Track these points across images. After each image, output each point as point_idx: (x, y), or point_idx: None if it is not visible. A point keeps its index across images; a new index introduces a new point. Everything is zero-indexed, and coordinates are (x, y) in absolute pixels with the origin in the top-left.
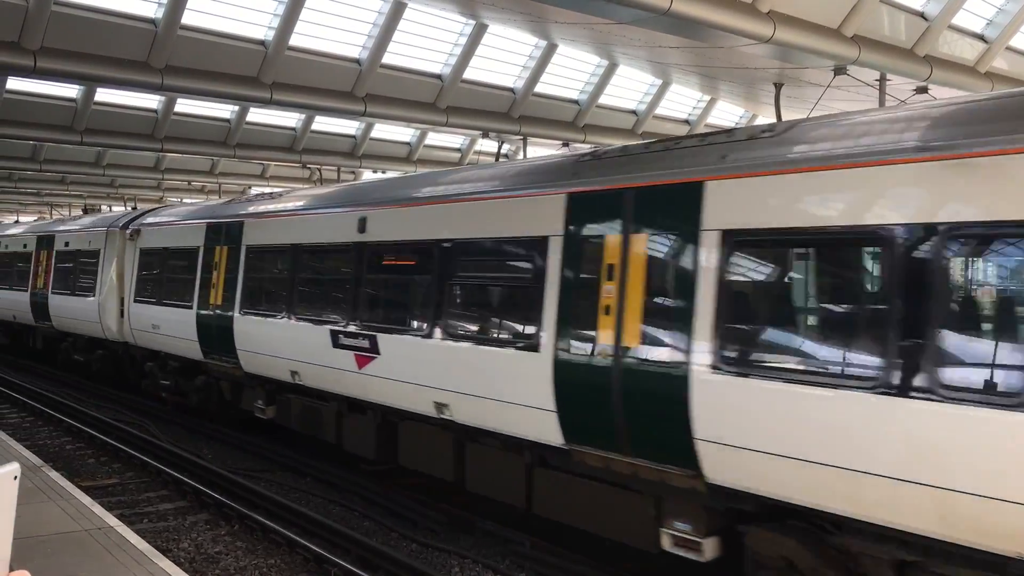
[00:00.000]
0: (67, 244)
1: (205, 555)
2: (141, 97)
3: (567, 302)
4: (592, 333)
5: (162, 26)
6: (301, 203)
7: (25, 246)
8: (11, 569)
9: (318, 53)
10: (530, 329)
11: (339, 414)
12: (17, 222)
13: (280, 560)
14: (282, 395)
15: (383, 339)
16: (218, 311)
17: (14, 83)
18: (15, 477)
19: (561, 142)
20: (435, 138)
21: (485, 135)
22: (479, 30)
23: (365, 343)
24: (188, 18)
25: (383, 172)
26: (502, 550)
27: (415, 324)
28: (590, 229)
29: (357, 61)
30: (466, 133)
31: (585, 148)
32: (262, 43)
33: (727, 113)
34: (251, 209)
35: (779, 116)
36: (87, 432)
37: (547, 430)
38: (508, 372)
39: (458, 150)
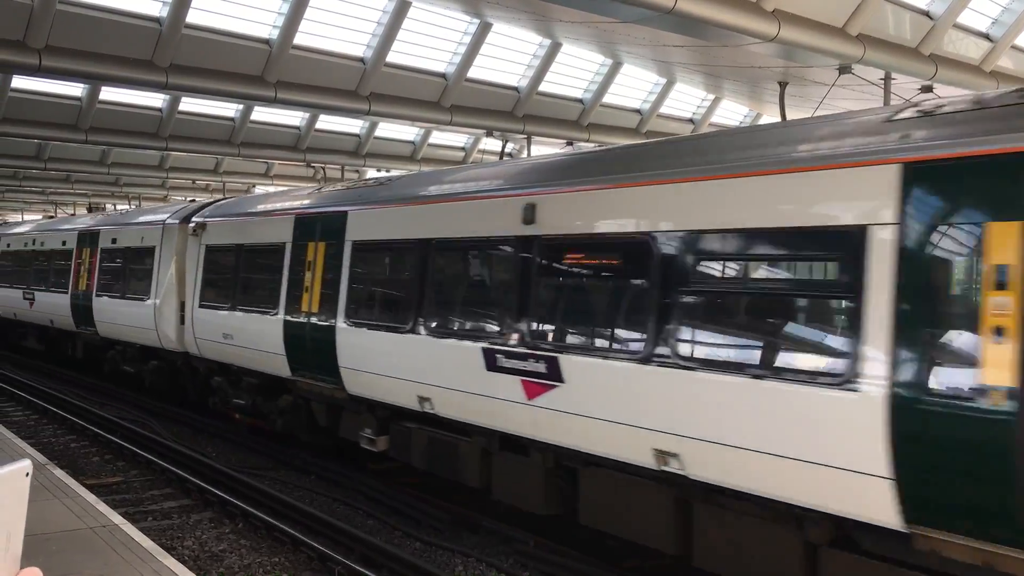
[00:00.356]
0: (114, 240)
1: (209, 553)
2: (146, 96)
3: (913, 321)
4: (971, 369)
5: (167, 25)
6: (433, 189)
7: (64, 243)
8: (22, 567)
9: (322, 52)
10: (834, 356)
11: (486, 453)
12: (52, 217)
13: (284, 558)
14: (399, 424)
15: (569, 362)
16: (314, 320)
17: (19, 82)
18: (27, 474)
19: (565, 141)
20: (439, 137)
21: (489, 134)
22: (483, 29)
23: (540, 367)
24: (193, 17)
25: (387, 171)
26: (505, 549)
27: (623, 344)
28: (956, 214)
29: (361, 60)
30: (470, 132)
31: (588, 146)
32: (267, 42)
33: (731, 112)
34: (358, 197)
35: (783, 115)
36: (91, 430)
37: (869, 502)
38: (792, 416)
39: (462, 149)
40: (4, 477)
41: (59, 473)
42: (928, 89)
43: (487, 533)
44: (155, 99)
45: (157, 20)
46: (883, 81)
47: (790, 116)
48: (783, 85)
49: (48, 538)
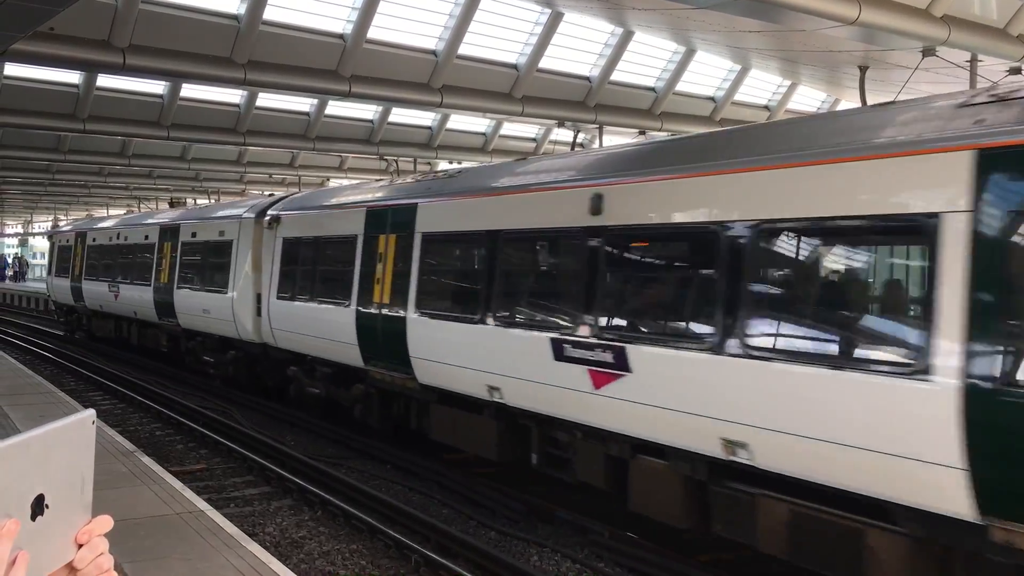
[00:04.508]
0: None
1: (290, 539)
2: (224, 92)
3: None
4: None
5: (244, 22)
6: None
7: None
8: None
9: (395, 45)
10: None
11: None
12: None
13: (362, 546)
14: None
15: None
16: None
17: (104, 80)
18: (92, 421)
19: (638, 131)
20: (510, 128)
21: (561, 124)
22: (555, 18)
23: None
24: (269, 13)
25: (458, 163)
26: (580, 540)
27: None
28: None
29: (433, 53)
30: (541, 123)
31: (662, 136)
32: (341, 37)
33: (808, 98)
34: None
35: (864, 100)
36: (175, 419)
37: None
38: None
39: (533, 140)
40: (73, 424)
41: (146, 460)
42: (1016, 71)
43: (561, 524)
44: (233, 95)
45: (235, 18)
46: (969, 64)
47: (871, 101)
48: (863, 69)
49: (138, 523)
